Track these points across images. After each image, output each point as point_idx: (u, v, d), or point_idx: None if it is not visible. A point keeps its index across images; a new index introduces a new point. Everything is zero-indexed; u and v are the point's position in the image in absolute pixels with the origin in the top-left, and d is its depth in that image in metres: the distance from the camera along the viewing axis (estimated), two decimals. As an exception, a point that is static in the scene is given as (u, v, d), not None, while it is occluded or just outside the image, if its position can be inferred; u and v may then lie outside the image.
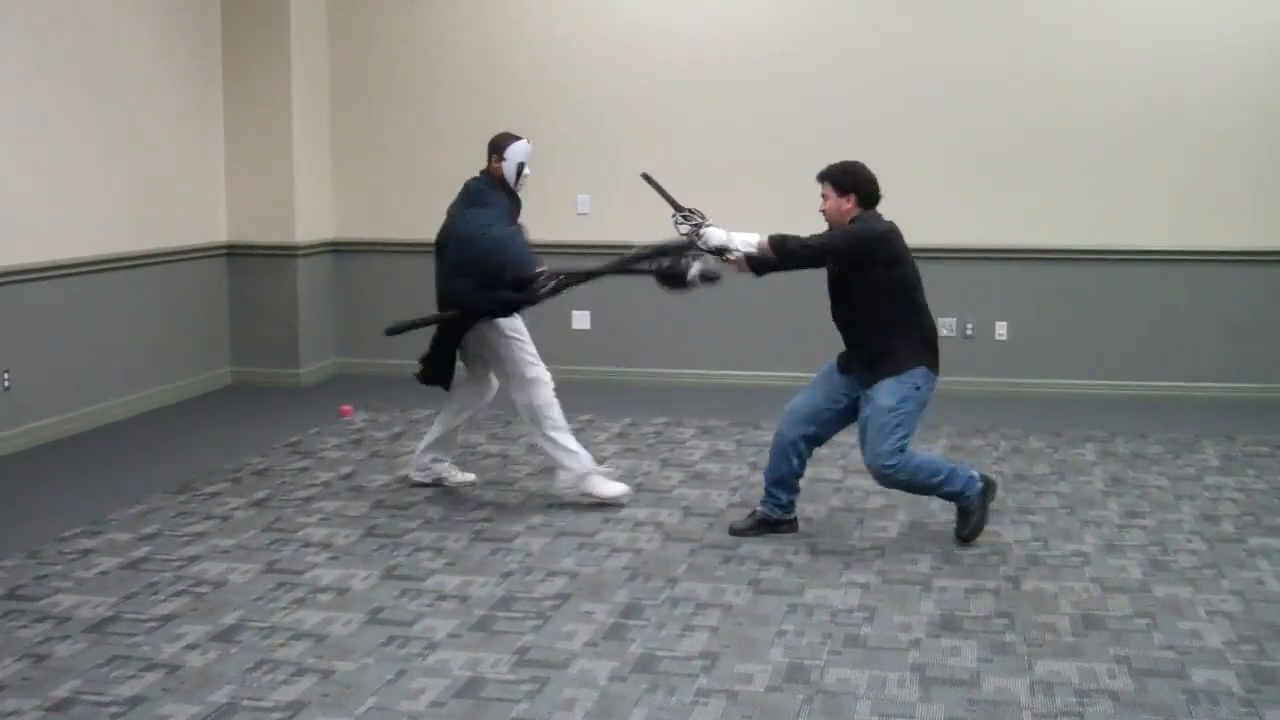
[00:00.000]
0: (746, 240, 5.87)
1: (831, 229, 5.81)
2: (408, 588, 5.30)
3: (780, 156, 9.40)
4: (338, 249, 10.09)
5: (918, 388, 5.74)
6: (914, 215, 9.26)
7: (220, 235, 9.66)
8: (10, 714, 4.10)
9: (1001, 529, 6.13)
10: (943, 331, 9.31)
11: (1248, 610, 5.06)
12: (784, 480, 6.01)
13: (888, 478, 5.74)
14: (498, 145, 6.46)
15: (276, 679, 4.38)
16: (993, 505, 6.02)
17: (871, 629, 4.87)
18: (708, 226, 5.94)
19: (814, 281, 9.44)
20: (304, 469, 7.25)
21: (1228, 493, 6.80)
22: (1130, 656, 4.59)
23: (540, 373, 6.48)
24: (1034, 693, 4.28)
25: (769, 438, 7.89)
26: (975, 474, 5.91)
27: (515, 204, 6.52)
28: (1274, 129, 8.98)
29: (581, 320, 9.83)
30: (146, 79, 8.77)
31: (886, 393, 5.67)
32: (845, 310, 5.85)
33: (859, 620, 4.96)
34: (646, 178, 6.38)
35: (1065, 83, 9.16)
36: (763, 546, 5.85)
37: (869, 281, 5.71)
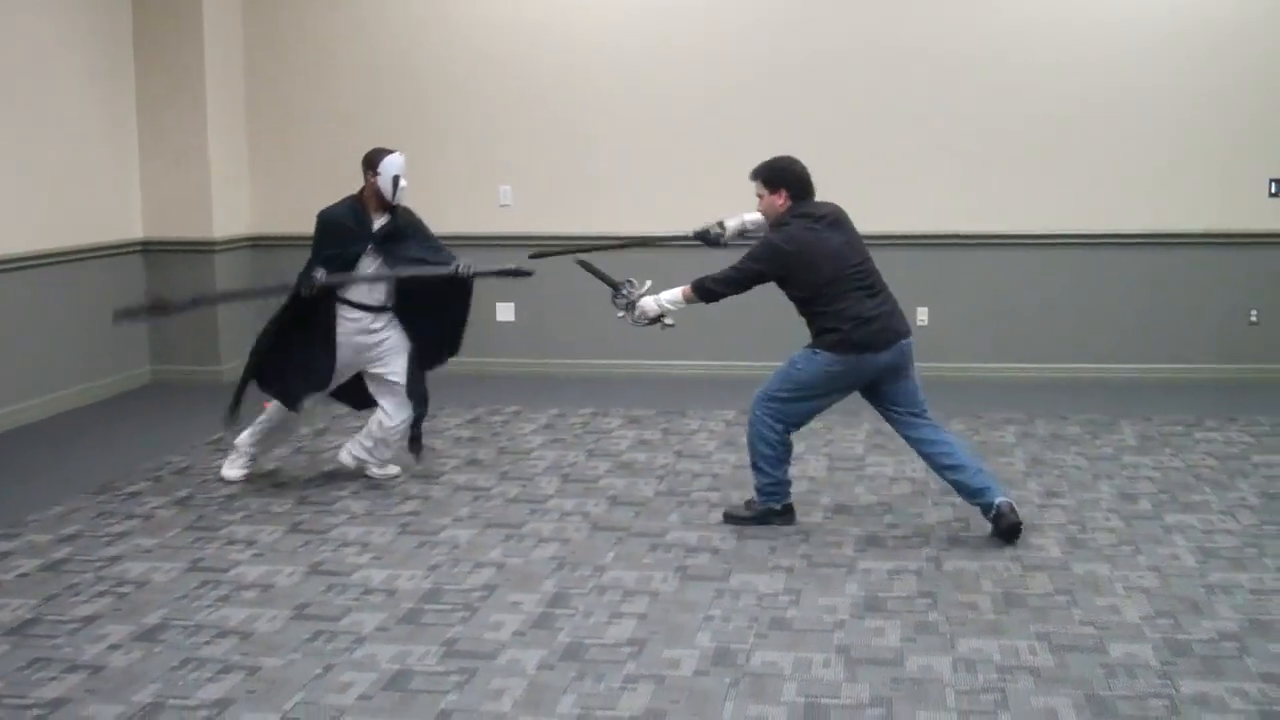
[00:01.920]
0: (674, 299, 6.04)
1: (746, 254, 5.92)
2: (334, 583, 5.28)
3: (710, 143, 9.46)
4: (256, 244, 10.00)
5: (828, 370, 5.83)
6: (836, 203, 9.40)
7: (136, 231, 9.54)
8: (-71, 719, 4.06)
9: (924, 511, 6.21)
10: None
11: (1164, 585, 5.15)
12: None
13: (751, 420, 5.96)
14: (371, 161, 6.51)
15: (202, 677, 4.35)
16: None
17: (797, 612, 4.91)
18: (640, 299, 6.11)
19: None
20: (227, 466, 7.19)
21: (1145, 471, 6.92)
22: (1050, 633, 4.66)
23: None
24: (956, 670, 4.35)
25: (695, 426, 7.99)
26: (789, 496, 6.07)
27: (393, 217, 6.58)
28: (1184, 117, 9.13)
29: (506, 312, 9.81)
30: (56, 74, 8.64)
31: (800, 355, 5.92)
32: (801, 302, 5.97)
33: (784, 604, 5.00)
34: (582, 263, 6.48)
35: (980, 68, 9.26)
36: (689, 534, 5.89)
37: (790, 288, 5.91)
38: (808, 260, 5.79)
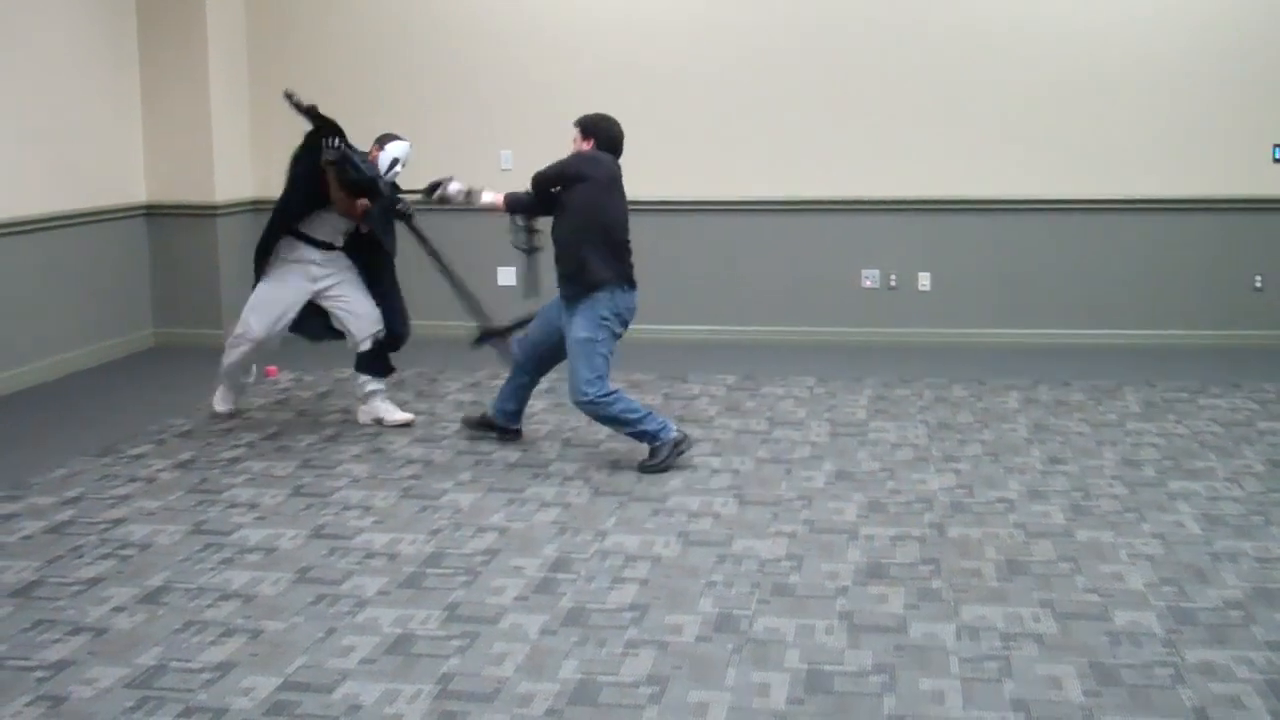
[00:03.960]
0: (488, 200, 6.70)
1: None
2: (336, 546, 5.28)
3: (715, 109, 9.44)
4: (259, 208, 9.94)
5: (604, 318, 6.29)
6: (838, 168, 9.39)
7: (139, 195, 9.52)
8: (-67, 680, 4.06)
9: (927, 477, 6.21)
10: (866, 283, 9.52)
11: (1168, 553, 5.15)
12: (517, 390, 6.82)
13: (586, 406, 6.34)
14: (381, 140, 7.01)
15: (205, 640, 4.35)
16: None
17: (799, 578, 4.91)
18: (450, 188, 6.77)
19: (739, 238, 9.50)
20: (229, 430, 7.18)
21: (1149, 438, 6.90)
22: (1054, 600, 4.66)
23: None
24: (960, 637, 4.34)
25: (696, 391, 7.99)
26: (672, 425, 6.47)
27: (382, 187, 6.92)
28: (1188, 84, 9.08)
29: (507, 276, 9.77)
30: (60, 40, 8.59)
31: (580, 325, 6.29)
32: (555, 233, 6.44)
33: (787, 569, 5.00)
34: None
35: (986, 33, 9.20)
36: (691, 499, 5.88)
37: (565, 200, 6.36)
38: (591, 173, 6.32)
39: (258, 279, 7.16)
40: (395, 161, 6.92)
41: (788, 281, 9.58)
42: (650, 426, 6.32)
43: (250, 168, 9.98)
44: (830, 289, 9.52)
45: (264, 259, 7.10)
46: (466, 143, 9.64)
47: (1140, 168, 9.20)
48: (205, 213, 9.54)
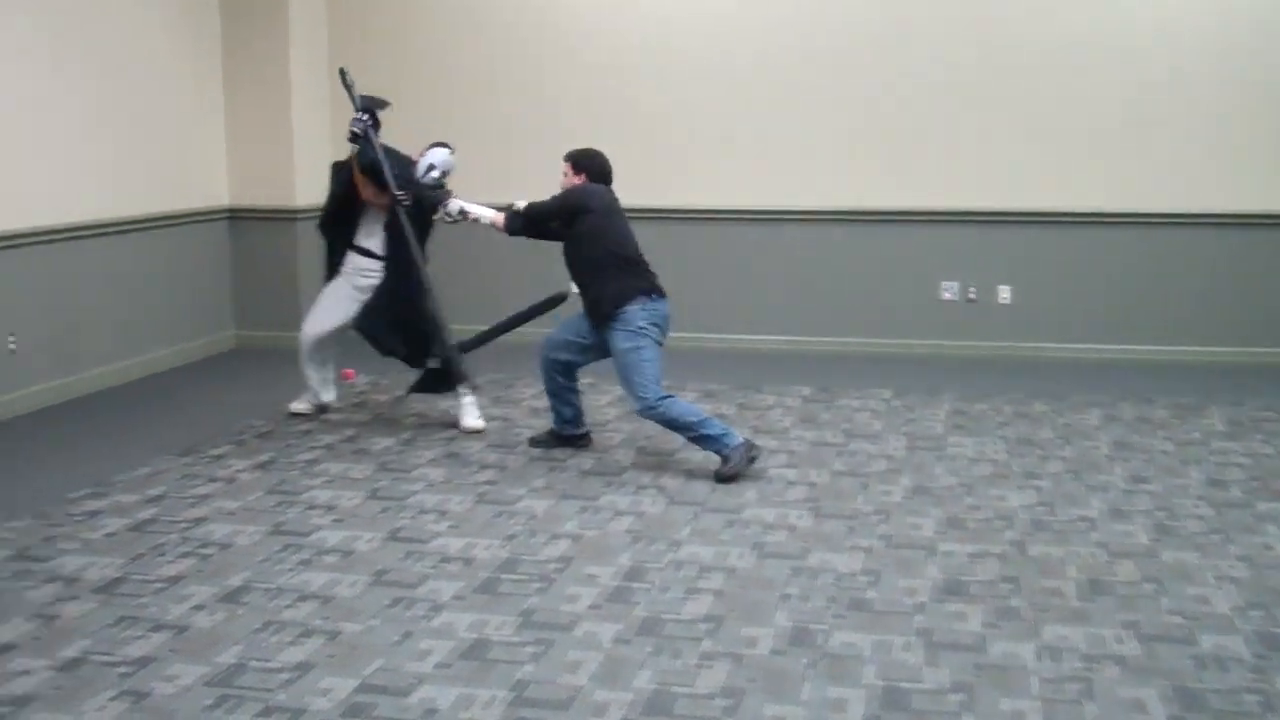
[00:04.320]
0: (488, 216, 6.91)
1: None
2: (412, 550, 5.31)
3: (781, 117, 9.39)
4: (340, 211, 10.05)
5: (641, 327, 6.42)
6: (917, 178, 9.33)
7: (222, 199, 9.65)
8: (21, 673, 4.11)
9: (1007, 494, 6.14)
10: (945, 295, 9.45)
11: (1256, 576, 5.05)
12: (556, 394, 6.82)
13: (646, 413, 6.43)
14: (427, 147, 7.21)
15: (283, 640, 4.38)
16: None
17: (876, 593, 4.86)
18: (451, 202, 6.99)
19: (817, 249, 9.46)
20: (308, 432, 7.24)
21: (1235, 458, 6.79)
22: (1138, 622, 4.58)
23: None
24: (1040, 658, 4.28)
25: (770, 401, 7.96)
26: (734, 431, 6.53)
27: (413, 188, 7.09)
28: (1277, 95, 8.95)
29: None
30: (146, 43, 8.72)
31: (620, 339, 6.43)
32: (570, 264, 6.64)
33: (863, 584, 4.95)
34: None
35: (1072, 46, 9.10)
36: (766, 511, 5.85)
37: (572, 234, 6.57)
38: (595, 205, 6.54)
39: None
40: (431, 167, 7.07)
41: (865, 293, 9.52)
42: (712, 431, 6.35)
43: (330, 171, 10.05)
44: (908, 301, 9.46)
45: (330, 262, 7.43)
46: (536, 154, 9.66)
47: (1226, 182, 9.05)
48: (286, 216, 9.65)
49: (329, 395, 7.65)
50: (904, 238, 9.41)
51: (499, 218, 6.82)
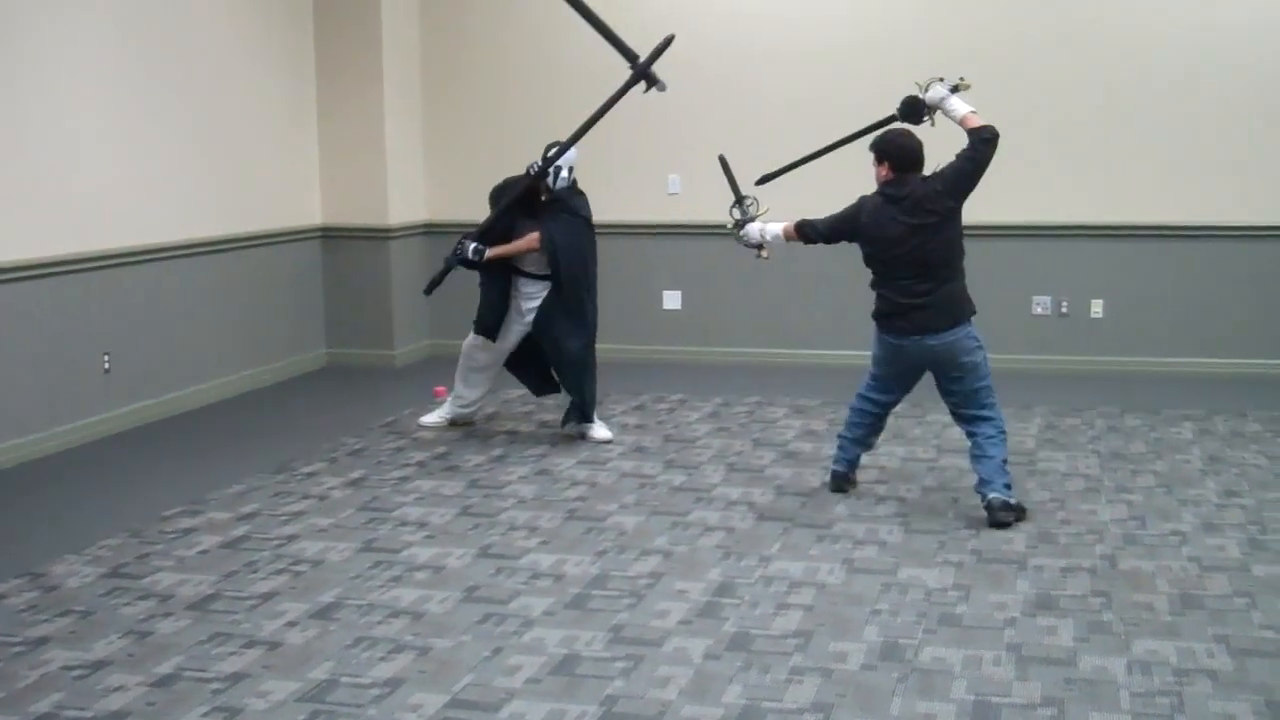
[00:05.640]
0: (775, 233, 6.45)
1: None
2: (503, 566, 5.35)
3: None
4: (430, 231, 10.15)
5: (878, 341, 6.13)
6: (1008, 193, 9.23)
7: (315, 218, 9.78)
8: (115, 689, 4.19)
9: (1098, 508, 6.07)
10: (1037, 310, 9.37)
11: (1353, 591, 4.97)
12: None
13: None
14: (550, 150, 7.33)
15: (375, 656, 4.44)
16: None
17: (967, 608, 4.84)
18: (748, 223, 6.58)
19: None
20: (399, 449, 7.33)
21: (1331, 472, 6.68)
22: (1229, 636, 4.52)
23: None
24: (1131, 672, 4.24)
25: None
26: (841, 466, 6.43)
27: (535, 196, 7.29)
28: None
29: (673, 300, 9.82)
30: (240, 64, 8.88)
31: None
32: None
33: (954, 599, 4.93)
34: (722, 160, 6.94)
35: (1165, 59, 8.99)
36: (856, 526, 5.84)
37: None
38: (866, 234, 6.04)
39: None
40: (558, 170, 7.26)
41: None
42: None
43: (423, 191, 10.19)
44: (1000, 315, 9.34)
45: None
46: (634, 166, 9.73)
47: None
48: (379, 235, 9.76)
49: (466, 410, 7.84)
50: (996, 252, 9.32)
51: (783, 233, 6.41)
